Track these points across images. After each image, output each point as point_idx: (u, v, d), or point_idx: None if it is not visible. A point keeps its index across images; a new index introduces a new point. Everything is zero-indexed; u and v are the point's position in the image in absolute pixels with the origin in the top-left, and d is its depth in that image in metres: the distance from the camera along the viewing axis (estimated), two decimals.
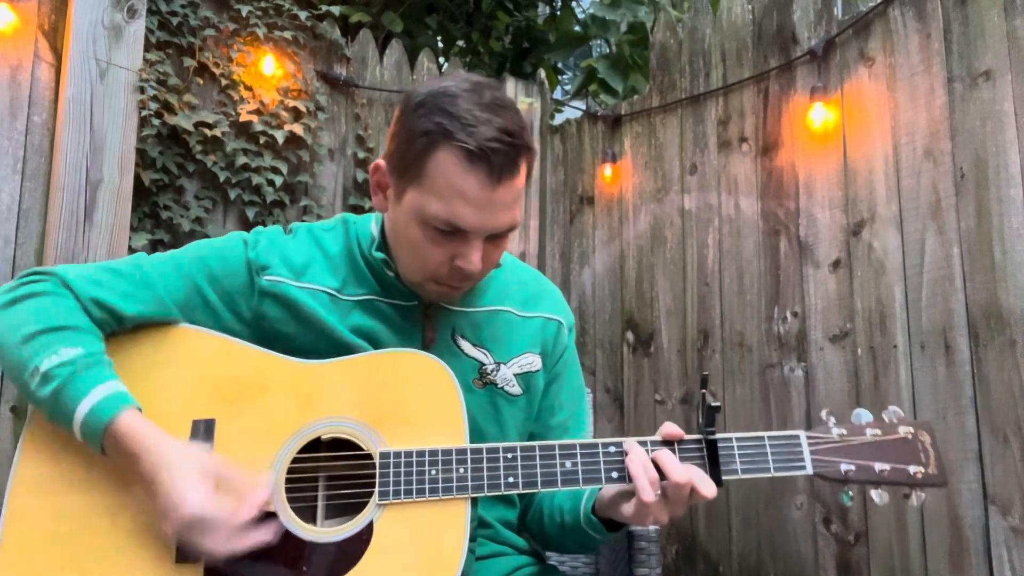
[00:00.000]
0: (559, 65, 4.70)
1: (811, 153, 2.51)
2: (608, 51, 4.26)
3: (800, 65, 2.56)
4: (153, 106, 2.47)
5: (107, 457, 1.02)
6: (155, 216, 2.54)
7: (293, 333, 1.14)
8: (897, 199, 2.28)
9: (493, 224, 1.06)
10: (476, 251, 1.07)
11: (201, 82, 2.67)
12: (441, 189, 1.03)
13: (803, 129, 2.53)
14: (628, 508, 1.04)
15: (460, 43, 4.23)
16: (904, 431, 1.08)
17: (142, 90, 2.45)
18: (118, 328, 1.10)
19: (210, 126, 2.62)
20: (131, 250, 2.43)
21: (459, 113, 1.02)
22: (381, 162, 1.13)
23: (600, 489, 1.12)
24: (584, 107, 3.36)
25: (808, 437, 1.06)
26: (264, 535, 0.98)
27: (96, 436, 0.99)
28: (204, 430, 1.05)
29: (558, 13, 4.44)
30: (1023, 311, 1.99)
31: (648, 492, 0.99)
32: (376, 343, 1.15)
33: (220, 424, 1.06)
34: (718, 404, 1.05)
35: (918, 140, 2.25)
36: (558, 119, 4.11)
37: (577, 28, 4.41)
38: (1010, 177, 2.04)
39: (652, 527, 1.42)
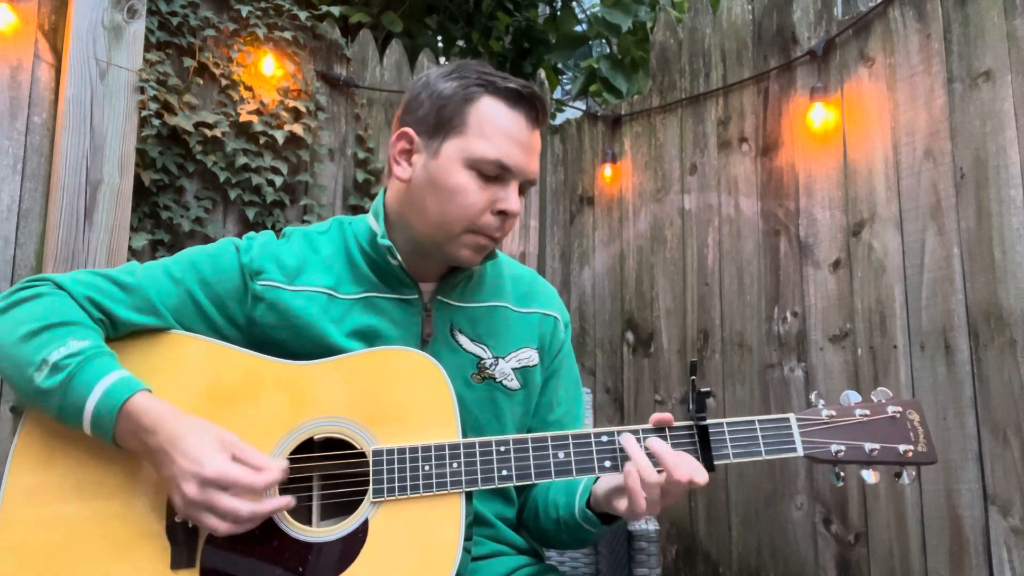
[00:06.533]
0: (559, 65, 4.70)
1: (811, 153, 2.51)
2: (609, 51, 4.26)
3: (800, 65, 2.56)
4: (153, 106, 2.47)
5: (116, 446, 1.01)
6: (155, 216, 2.54)
7: (285, 340, 1.14)
8: (897, 199, 2.28)
9: (529, 169, 1.13)
10: (515, 194, 1.13)
11: (201, 82, 2.67)
12: (488, 130, 1.10)
13: (803, 129, 2.53)
14: (622, 504, 1.04)
15: (460, 43, 4.23)
16: (892, 410, 1.08)
17: (142, 90, 2.45)
18: (112, 333, 1.11)
19: (210, 126, 2.62)
20: (131, 250, 2.44)
21: (491, 71, 1.14)
22: (408, 129, 1.15)
23: (595, 483, 1.12)
24: (584, 107, 3.36)
25: (798, 419, 1.07)
26: (284, 501, 0.98)
27: (110, 416, 0.98)
28: None
29: (558, 14, 4.44)
30: (1023, 311, 1.99)
31: (642, 505, 1.00)
32: (376, 340, 1.14)
33: None
34: (708, 389, 1.05)
35: (918, 140, 2.25)
36: (558, 119, 4.11)
37: (577, 28, 4.41)
38: (1010, 177, 2.04)
39: (652, 527, 1.42)
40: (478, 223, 1.11)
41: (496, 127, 1.10)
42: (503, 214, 1.12)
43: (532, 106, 1.12)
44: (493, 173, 1.10)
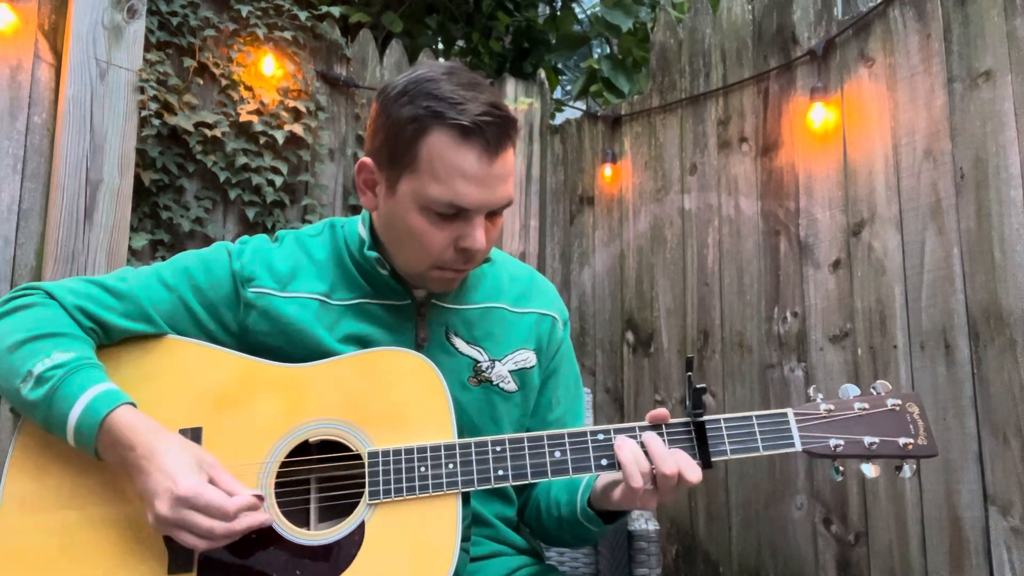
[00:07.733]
0: (559, 65, 4.70)
1: (811, 153, 2.51)
2: (610, 51, 4.26)
3: (800, 65, 2.56)
4: (153, 106, 2.47)
5: (98, 459, 1.01)
6: (155, 216, 2.55)
7: (279, 346, 1.13)
8: (897, 199, 2.28)
9: (493, 200, 1.06)
10: (479, 229, 1.07)
11: (201, 82, 2.67)
12: (439, 171, 1.03)
13: (803, 129, 2.52)
14: (617, 493, 1.03)
15: (460, 43, 4.23)
16: (892, 403, 1.06)
17: (142, 90, 2.45)
18: (104, 340, 1.11)
19: (210, 126, 2.62)
20: (131, 250, 2.44)
21: (445, 94, 1.03)
22: (367, 160, 1.12)
23: (595, 481, 1.12)
24: (584, 107, 3.36)
25: (796, 414, 1.05)
26: (260, 517, 0.97)
27: (91, 432, 0.98)
28: (191, 439, 1.05)
29: (558, 14, 4.44)
30: (1023, 311, 1.99)
31: (637, 479, 0.99)
32: (370, 346, 1.13)
33: (207, 432, 1.06)
34: (703, 386, 1.04)
35: (918, 140, 2.24)
36: (558, 119, 4.11)
37: (577, 28, 4.41)
38: (1010, 177, 2.04)
39: (652, 527, 1.42)
40: (440, 260, 1.09)
41: (448, 166, 1.02)
42: (466, 250, 1.08)
43: (485, 136, 1.02)
44: (449, 212, 1.05)
